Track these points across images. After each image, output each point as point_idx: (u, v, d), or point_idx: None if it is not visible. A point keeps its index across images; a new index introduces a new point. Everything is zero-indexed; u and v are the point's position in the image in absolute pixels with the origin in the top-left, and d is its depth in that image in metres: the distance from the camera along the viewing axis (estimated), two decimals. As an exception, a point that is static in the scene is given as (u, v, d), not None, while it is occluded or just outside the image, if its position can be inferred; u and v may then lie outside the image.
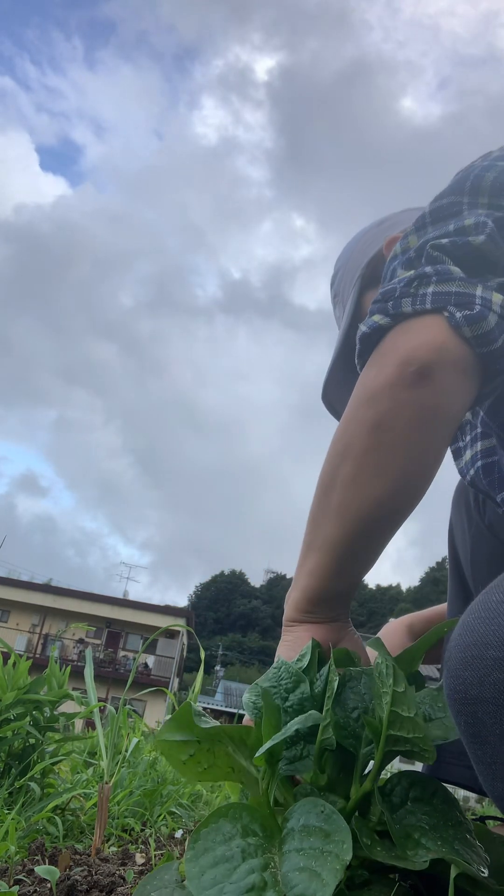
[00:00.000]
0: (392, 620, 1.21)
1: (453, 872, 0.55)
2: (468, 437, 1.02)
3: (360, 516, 0.77)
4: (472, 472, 0.99)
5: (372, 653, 1.13)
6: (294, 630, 0.83)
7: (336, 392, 1.24)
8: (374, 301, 0.82)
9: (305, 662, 0.76)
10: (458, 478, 1.07)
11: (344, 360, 1.20)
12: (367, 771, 0.67)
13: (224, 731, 0.67)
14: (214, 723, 0.67)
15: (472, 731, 0.55)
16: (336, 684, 0.67)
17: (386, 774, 0.97)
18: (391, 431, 0.75)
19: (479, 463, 0.98)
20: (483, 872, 0.57)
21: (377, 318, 0.80)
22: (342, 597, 0.83)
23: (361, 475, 0.76)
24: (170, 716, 0.70)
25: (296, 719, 0.62)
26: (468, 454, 1.00)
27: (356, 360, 0.85)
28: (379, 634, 1.15)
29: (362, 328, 0.82)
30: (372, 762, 0.65)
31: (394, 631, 1.15)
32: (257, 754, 0.61)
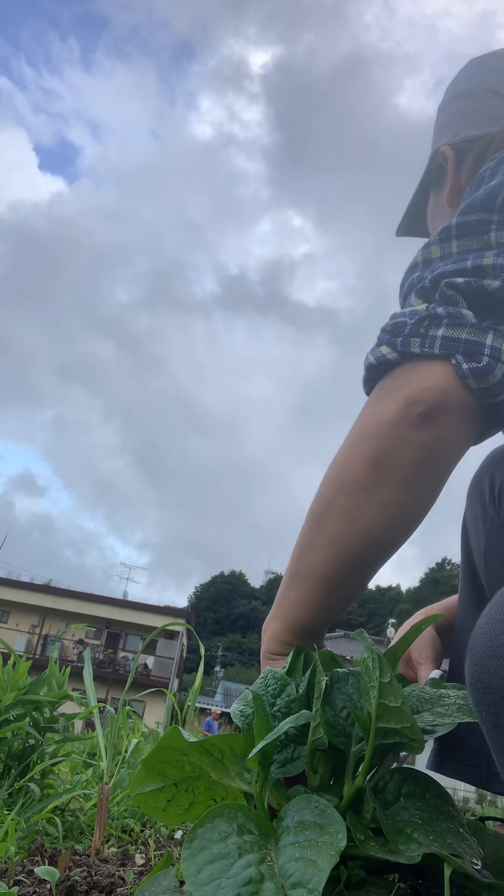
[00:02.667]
0: (415, 615, 1.22)
1: (447, 868, 0.56)
2: None
3: (352, 550, 0.78)
4: None
5: (410, 622, 1.14)
6: (274, 663, 0.83)
7: (410, 223, 1.30)
8: (384, 330, 0.83)
9: (289, 665, 0.77)
10: (466, 476, 1.08)
11: (416, 206, 1.26)
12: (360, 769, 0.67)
13: (207, 751, 0.67)
14: (194, 739, 0.67)
15: (493, 721, 0.56)
16: (324, 684, 0.68)
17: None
18: (391, 469, 0.76)
19: None
20: (476, 865, 0.57)
21: (385, 350, 0.81)
22: (323, 628, 0.84)
23: (357, 509, 0.77)
24: (140, 765, 0.69)
25: (288, 718, 0.63)
26: None
27: (363, 386, 0.87)
28: (400, 630, 1.16)
29: (369, 358, 0.84)
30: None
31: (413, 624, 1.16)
32: (250, 755, 0.61)
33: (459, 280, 0.79)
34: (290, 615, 0.82)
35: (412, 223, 1.31)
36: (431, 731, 0.67)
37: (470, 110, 1.15)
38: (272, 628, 0.84)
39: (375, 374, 0.83)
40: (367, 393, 0.85)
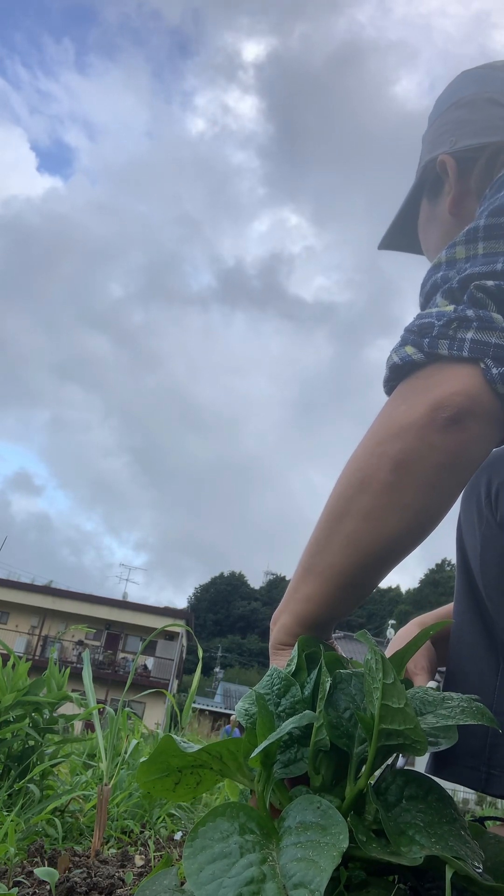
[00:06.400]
0: (409, 623, 1.22)
1: (448, 870, 0.56)
2: None
3: (370, 549, 0.78)
4: None
5: (403, 631, 1.14)
6: (283, 654, 0.83)
7: (397, 236, 1.29)
8: (409, 329, 0.82)
9: (294, 667, 0.77)
10: None
11: (405, 214, 1.26)
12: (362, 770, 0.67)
13: (207, 753, 0.67)
14: (197, 747, 0.67)
15: None
16: (328, 685, 0.68)
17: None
18: (415, 471, 0.76)
19: None
20: (477, 868, 0.57)
21: (410, 350, 0.80)
22: (332, 623, 0.84)
23: (378, 510, 0.77)
24: (145, 758, 0.70)
25: (291, 719, 0.63)
26: None
27: (384, 386, 0.86)
28: (394, 638, 1.16)
29: (393, 357, 0.83)
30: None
31: (408, 633, 1.16)
32: (253, 754, 0.61)
33: (489, 283, 0.79)
34: (301, 609, 0.82)
35: (397, 237, 1.31)
36: (436, 742, 0.67)
37: (470, 119, 1.15)
38: (282, 620, 0.84)
39: (399, 374, 0.82)
40: (388, 393, 0.85)
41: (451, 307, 0.80)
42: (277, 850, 0.53)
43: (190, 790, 0.72)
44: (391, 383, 0.84)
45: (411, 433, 0.76)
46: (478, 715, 0.64)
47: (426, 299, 0.88)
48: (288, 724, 0.62)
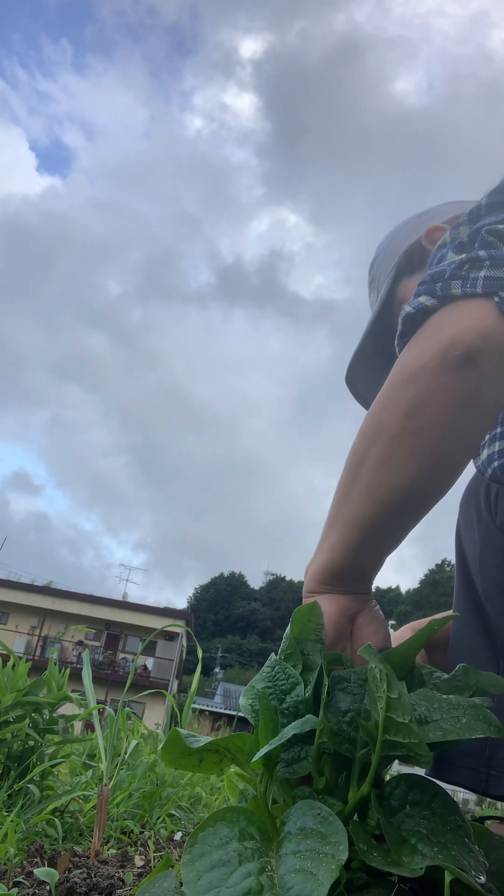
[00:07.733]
0: (402, 628, 1.21)
1: (448, 876, 0.55)
2: (487, 436, 1.02)
3: (388, 497, 0.76)
4: (489, 471, 0.98)
5: (396, 634, 1.13)
6: (309, 600, 0.82)
7: (362, 375, 1.25)
8: (422, 282, 0.80)
9: (300, 664, 0.76)
10: (465, 477, 1.07)
11: (372, 343, 1.20)
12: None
13: (218, 745, 0.67)
14: (206, 739, 0.67)
15: None
16: (326, 689, 0.67)
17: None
18: (428, 414, 0.73)
19: (496, 463, 0.98)
20: (480, 878, 0.56)
21: (423, 298, 0.78)
22: (364, 573, 0.82)
23: (394, 456, 0.75)
24: (163, 743, 0.70)
25: (293, 724, 0.62)
26: (485, 453, 1.00)
27: (396, 342, 0.83)
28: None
29: (407, 308, 0.80)
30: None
31: (399, 638, 1.15)
32: (254, 759, 0.61)
33: (501, 226, 0.77)
34: (327, 557, 0.81)
35: (360, 379, 1.27)
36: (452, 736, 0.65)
37: (442, 212, 1.18)
38: (312, 569, 0.83)
39: (413, 324, 0.79)
40: (401, 350, 0.81)
41: (463, 255, 0.78)
42: (277, 857, 0.53)
43: (215, 765, 0.72)
44: (405, 338, 0.81)
45: (423, 376, 0.73)
46: (484, 726, 0.62)
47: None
48: (290, 730, 0.61)
